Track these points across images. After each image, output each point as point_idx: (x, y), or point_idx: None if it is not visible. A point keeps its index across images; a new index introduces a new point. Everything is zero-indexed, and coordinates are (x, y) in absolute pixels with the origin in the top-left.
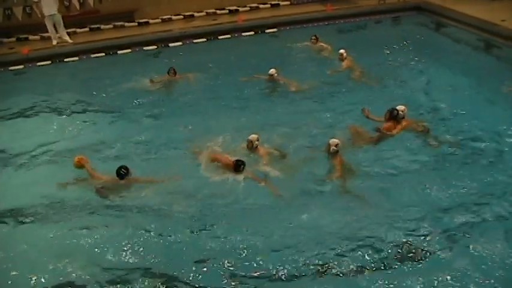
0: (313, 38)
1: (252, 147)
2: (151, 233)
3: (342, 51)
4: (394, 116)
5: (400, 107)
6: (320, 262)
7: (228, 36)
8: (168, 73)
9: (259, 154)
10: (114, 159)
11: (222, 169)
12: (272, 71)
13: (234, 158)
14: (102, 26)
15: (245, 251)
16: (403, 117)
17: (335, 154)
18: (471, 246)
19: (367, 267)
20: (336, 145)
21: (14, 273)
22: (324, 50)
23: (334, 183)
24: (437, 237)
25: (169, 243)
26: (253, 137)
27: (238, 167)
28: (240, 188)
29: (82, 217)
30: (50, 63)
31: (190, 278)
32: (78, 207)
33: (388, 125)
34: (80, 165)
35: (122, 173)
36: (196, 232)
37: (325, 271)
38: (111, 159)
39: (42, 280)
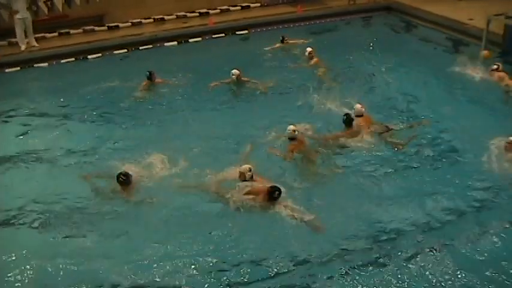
0: (284, 38)
1: (244, 178)
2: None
3: (308, 49)
4: (346, 122)
5: (357, 106)
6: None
7: (199, 39)
8: (147, 77)
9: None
10: (92, 164)
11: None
12: (235, 71)
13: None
14: (72, 31)
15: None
16: (362, 115)
17: (293, 140)
18: (435, 247)
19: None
20: (294, 130)
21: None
22: (293, 50)
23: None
24: (403, 240)
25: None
26: (245, 168)
27: (273, 193)
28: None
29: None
30: (18, 69)
31: None
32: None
33: (349, 131)
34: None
35: (122, 180)
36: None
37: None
38: (87, 165)
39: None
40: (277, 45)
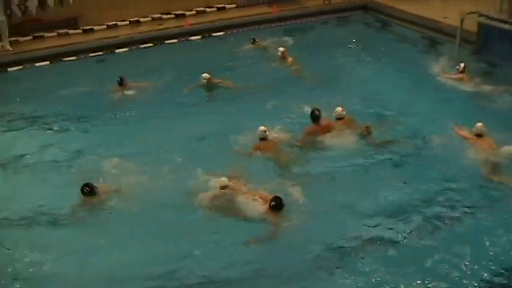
0: (254, 40)
1: (224, 189)
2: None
3: (281, 49)
4: (313, 118)
5: (338, 108)
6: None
7: (175, 40)
8: (118, 83)
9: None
10: (63, 170)
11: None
12: (205, 75)
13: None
14: (46, 34)
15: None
16: (342, 118)
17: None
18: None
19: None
20: (264, 131)
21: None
22: (268, 50)
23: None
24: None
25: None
26: (223, 180)
27: (279, 206)
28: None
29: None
30: None
31: None
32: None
33: (312, 127)
34: None
35: (86, 191)
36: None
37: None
38: (60, 169)
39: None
40: (248, 46)
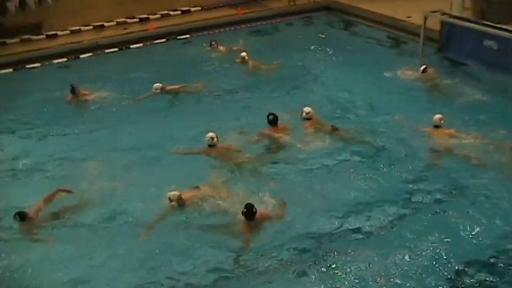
0: (213, 43)
1: (180, 203)
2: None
3: (243, 54)
4: (270, 122)
5: (306, 109)
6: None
7: (140, 44)
8: (70, 91)
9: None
10: (29, 175)
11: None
12: (157, 85)
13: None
14: (8, 40)
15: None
16: (310, 119)
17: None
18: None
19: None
20: (212, 138)
21: None
22: (229, 54)
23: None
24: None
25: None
26: (173, 194)
27: (251, 214)
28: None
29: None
30: None
31: None
32: None
33: (268, 129)
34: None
35: (17, 219)
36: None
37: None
38: (28, 176)
39: None
40: (210, 49)
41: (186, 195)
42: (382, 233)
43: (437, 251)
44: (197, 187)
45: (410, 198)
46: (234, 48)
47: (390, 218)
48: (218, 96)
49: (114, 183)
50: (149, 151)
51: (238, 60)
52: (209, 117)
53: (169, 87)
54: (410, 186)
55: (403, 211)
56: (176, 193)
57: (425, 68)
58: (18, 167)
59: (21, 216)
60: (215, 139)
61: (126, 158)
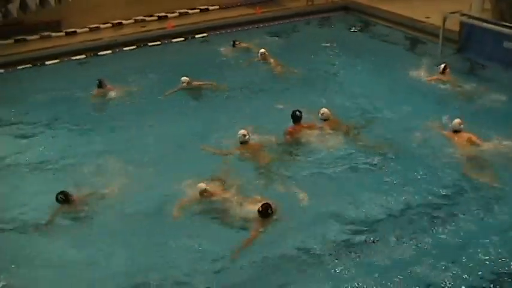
0: (235, 41)
1: (203, 194)
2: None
3: (262, 50)
4: (294, 118)
5: (323, 110)
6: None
7: (158, 42)
8: (97, 86)
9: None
10: (46, 173)
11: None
12: (184, 79)
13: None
14: (28, 37)
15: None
16: (327, 119)
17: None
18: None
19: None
20: (244, 134)
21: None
22: (248, 52)
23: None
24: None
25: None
26: (200, 185)
27: (265, 214)
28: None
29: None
30: None
31: None
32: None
33: (293, 128)
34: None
35: (60, 199)
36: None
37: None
38: (43, 173)
39: None
40: (230, 48)
41: (212, 189)
42: (394, 241)
43: (451, 266)
44: (220, 181)
45: (428, 204)
46: (257, 46)
47: (401, 226)
48: (238, 94)
49: (138, 177)
50: (174, 146)
51: (257, 59)
52: (231, 115)
53: (195, 83)
54: (429, 190)
55: (421, 217)
56: (203, 185)
57: (445, 66)
58: (41, 162)
59: (65, 196)
60: (247, 136)
61: (151, 152)
